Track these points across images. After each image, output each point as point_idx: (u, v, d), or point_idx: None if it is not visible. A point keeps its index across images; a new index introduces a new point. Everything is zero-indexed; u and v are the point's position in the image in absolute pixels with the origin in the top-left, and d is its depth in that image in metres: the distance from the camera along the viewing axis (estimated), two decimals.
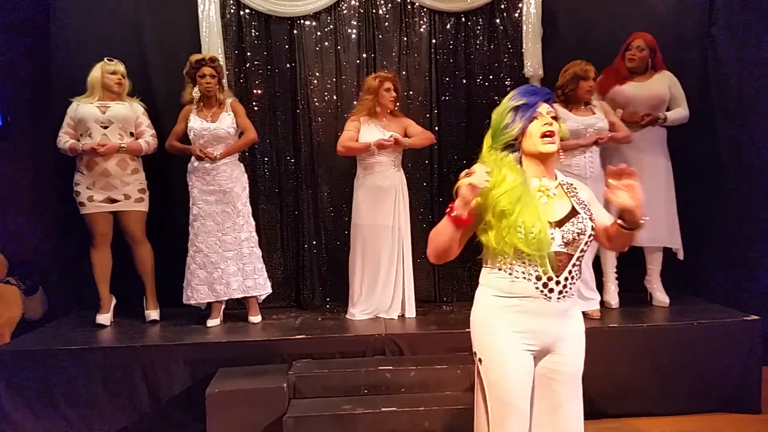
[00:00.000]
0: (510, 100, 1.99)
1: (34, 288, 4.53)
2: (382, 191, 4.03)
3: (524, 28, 4.57)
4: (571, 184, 2.06)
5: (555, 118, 1.99)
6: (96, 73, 3.98)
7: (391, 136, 3.94)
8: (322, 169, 4.60)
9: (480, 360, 1.99)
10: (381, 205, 4.00)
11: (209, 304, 4.07)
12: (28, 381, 3.49)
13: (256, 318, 4.09)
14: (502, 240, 1.88)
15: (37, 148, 4.56)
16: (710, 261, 4.58)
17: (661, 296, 4.18)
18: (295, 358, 3.56)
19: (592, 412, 3.53)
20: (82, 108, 3.95)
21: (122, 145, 3.93)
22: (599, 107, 3.98)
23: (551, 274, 1.90)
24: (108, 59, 4.02)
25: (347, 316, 4.13)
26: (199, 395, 3.25)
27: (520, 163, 1.99)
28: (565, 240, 1.92)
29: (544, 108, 1.98)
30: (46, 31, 4.47)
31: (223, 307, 4.13)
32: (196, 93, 4.00)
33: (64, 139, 3.93)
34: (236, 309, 4.22)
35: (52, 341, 3.71)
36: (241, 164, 4.15)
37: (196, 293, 4.02)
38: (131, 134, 4.03)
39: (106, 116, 3.94)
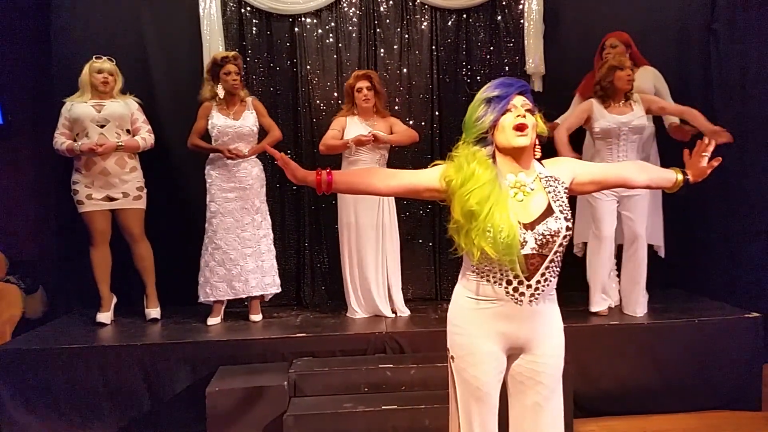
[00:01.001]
0: (483, 92, 1.91)
1: (35, 287, 4.53)
2: None
3: (526, 24, 4.56)
4: (551, 176, 1.94)
5: (530, 111, 1.90)
6: (85, 71, 3.96)
7: (369, 133, 3.92)
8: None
9: (452, 357, 1.99)
10: (365, 203, 3.97)
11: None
12: (28, 380, 3.49)
13: (256, 316, 4.08)
14: (471, 242, 1.81)
15: (38, 147, 4.55)
16: (711, 258, 4.57)
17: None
18: (296, 356, 3.55)
19: (593, 410, 3.55)
20: (77, 108, 3.92)
21: (120, 143, 3.91)
22: (640, 102, 3.78)
23: (522, 277, 1.85)
24: (96, 57, 3.98)
25: (348, 314, 4.13)
26: (199, 394, 3.25)
27: (493, 157, 1.91)
28: (538, 243, 1.84)
29: (518, 100, 1.89)
30: (47, 30, 4.46)
31: (224, 305, 4.13)
32: (220, 90, 3.98)
33: (61, 140, 3.90)
34: (237, 307, 4.21)
35: (52, 340, 3.70)
36: (260, 162, 4.13)
37: (215, 291, 4.00)
38: (128, 131, 4.02)
39: (101, 115, 3.92)
